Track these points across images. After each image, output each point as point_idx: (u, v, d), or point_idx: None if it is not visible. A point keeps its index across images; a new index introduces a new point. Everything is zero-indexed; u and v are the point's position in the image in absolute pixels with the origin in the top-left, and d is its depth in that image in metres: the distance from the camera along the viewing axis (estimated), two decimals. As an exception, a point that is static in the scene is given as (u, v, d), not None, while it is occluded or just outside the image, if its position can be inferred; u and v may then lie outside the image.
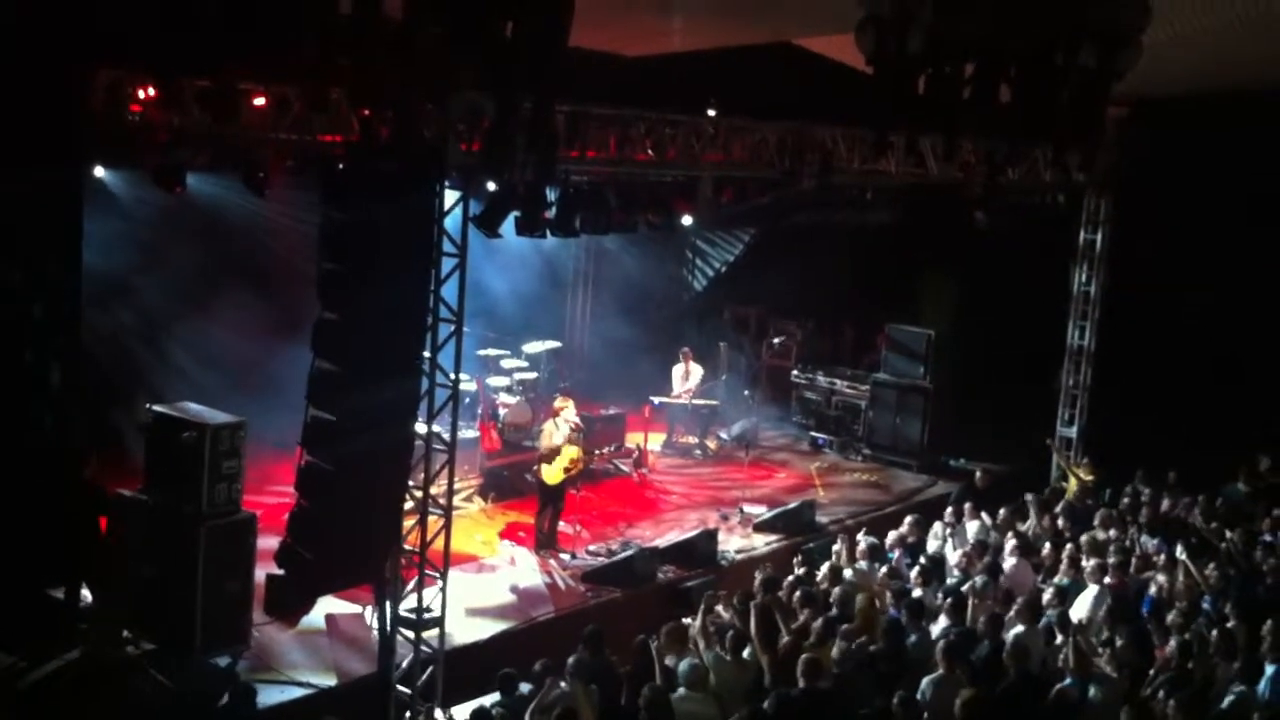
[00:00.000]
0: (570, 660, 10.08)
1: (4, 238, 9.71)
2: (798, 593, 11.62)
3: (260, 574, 11.58)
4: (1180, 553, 12.92)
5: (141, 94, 9.93)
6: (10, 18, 9.20)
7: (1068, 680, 9.95)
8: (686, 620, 11.31)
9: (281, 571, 10.72)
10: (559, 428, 14.63)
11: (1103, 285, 18.78)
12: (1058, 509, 15.42)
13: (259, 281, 15.94)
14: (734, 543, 15.30)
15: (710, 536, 14.78)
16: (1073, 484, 16.79)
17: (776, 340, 21.89)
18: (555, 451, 14.50)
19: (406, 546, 10.97)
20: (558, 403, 15.09)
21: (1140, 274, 18.15)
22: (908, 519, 14.55)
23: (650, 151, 13.20)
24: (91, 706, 9.89)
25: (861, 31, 11.10)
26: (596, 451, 16.10)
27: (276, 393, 12.51)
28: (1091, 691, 9.77)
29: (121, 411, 13.72)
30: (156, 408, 11.59)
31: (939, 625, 11.25)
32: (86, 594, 11.04)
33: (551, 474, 14.51)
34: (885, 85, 10.99)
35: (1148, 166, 17.44)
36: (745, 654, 10.26)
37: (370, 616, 11.84)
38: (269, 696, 10.61)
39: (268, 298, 15.65)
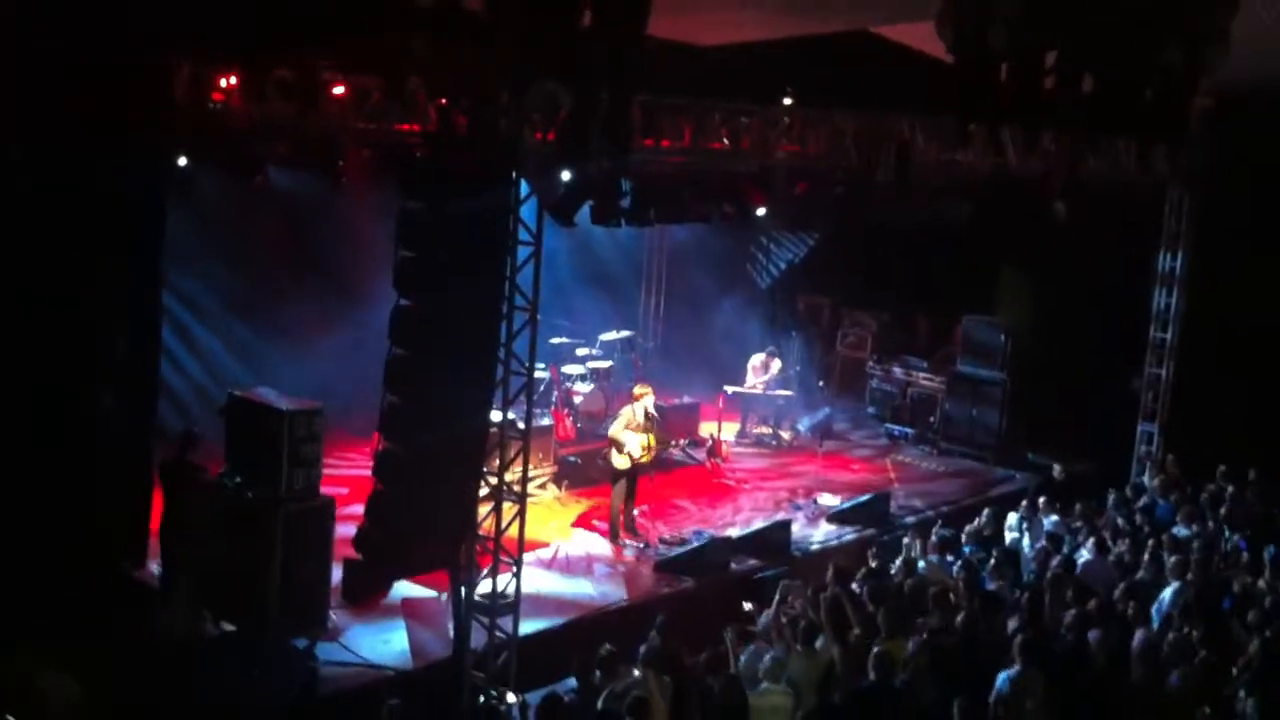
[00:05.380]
0: (642, 649, 10.09)
1: (93, 230, 9.91)
2: (868, 585, 11.57)
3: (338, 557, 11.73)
4: (1266, 551, 12.69)
5: (223, 83, 10.07)
6: (95, 8, 9.36)
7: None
8: (748, 606, 11.33)
9: (359, 556, 10.84)
10: (636, 414, 14.60)
11: (1186, 278, 18.45)
12: (1138, 505, 15.19)
13: (336, 272, 16.12)
14: (808, 534, 15.24)
15: (784, 527, 14.73)
16: (1157, 480, 16.50)
17: (850, 331, 21.78)
18: (632, 436, 14.47)
19: (481, 533, 11.08)
20: (637, 389, 15.00)
21: (1225, 269, 17.79)
22: (984, 512, 14.41)
23: (725, 141, 13.15)
24: (170, 686, 10.05)
25: (942, 21, 10.99)
26: (672, 444, 16.09)
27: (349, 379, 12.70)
28: (1173, 677, 9.65)
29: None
30: (235, 392, 11.76)
31: (1014, 620, 11.14)
32: (168, 575, 11.25)
33: (624, 459, 14.50)
34: (967, 74, 10.86)
35: (1235, 161, 17.10)
36: (817, 645, 10.23)
37: (446, 602, 11.94)
38: (346, 679, 10.76)
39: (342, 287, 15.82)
